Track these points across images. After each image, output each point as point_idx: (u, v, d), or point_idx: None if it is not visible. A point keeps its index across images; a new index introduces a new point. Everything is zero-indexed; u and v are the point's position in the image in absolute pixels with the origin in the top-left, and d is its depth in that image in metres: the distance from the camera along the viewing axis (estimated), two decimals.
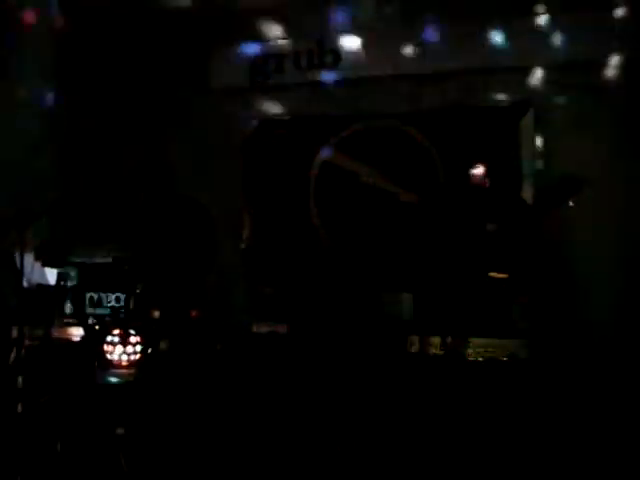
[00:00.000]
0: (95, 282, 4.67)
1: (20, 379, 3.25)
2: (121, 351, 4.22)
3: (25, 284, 3.92)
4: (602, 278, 5.09)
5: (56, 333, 4.29)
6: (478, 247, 4.48)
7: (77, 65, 5.98)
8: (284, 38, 6.20)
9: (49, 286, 4.51)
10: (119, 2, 5.97)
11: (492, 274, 4.51)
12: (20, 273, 3.53)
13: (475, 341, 4.41)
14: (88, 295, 4.61)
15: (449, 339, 4.38)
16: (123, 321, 4.39)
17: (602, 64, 5.31)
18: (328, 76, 6.09)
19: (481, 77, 5.72)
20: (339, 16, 5.95)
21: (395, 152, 5.91)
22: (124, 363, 4.20)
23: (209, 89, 6.30)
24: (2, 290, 4.22)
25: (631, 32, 5.20)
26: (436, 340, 4.71)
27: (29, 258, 4.01)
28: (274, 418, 4.02)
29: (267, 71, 6.26)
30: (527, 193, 5.47)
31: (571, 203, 4.15)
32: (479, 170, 4.76)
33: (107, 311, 4.60)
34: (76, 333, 4.45)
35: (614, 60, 5.31)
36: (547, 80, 5.50)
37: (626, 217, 5.05)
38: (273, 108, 6.30)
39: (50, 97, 5.67)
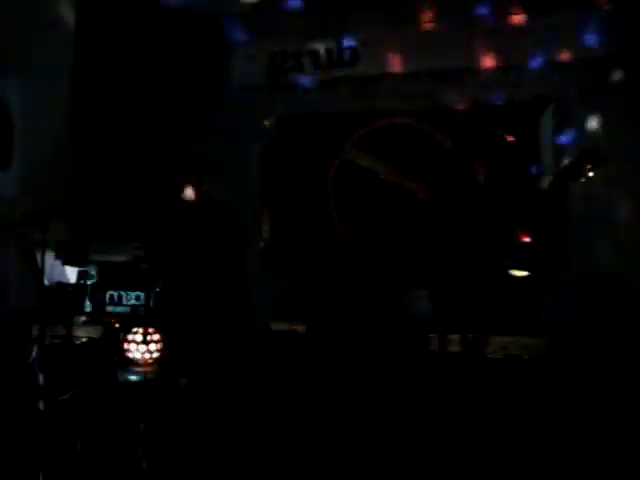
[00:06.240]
0: (115, 280, 4.68)
1: (41, 377, 3.28)
2: (141, 349, 4.24)
3: (46, 282, 3.95)
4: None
5: (76, 331, 4.31)
6: (497, 243, 4.44)
7: (94, 63, 5.99)
8: (303, 36, 6.19)
9: (69, 284, 4.53)
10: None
11: (513, 272, 4.46)
12: (41, 271, 3.56)
13: (496, 339, 4.37)
14: (108, 293, 4.62)
15: (469, 336, 4.33)
16: (143, 319, 4.40)
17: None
18: (345, 73, 6.08)
19: (500, 73, 5.69)
20: (358, 13, 5.93)
21: (413, 149, 5.89)
22: (144, 361, 4.22)
23: (227, 87, 6.31)
24: (23, 288, 4.25)
25: None
26: (456, 338, 4.67)
27: (50, 256, 4.03)
28: (294, 417, 4.01)
29: (285, 69, 6.26)
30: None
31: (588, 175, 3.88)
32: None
33: (127, 309, 4.61)
34: (96, 331, 4.46)
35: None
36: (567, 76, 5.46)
37: None
38: (291, 106, 6.30)
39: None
